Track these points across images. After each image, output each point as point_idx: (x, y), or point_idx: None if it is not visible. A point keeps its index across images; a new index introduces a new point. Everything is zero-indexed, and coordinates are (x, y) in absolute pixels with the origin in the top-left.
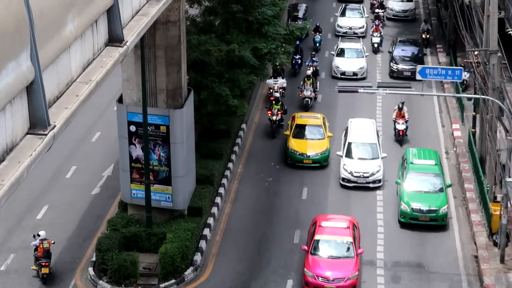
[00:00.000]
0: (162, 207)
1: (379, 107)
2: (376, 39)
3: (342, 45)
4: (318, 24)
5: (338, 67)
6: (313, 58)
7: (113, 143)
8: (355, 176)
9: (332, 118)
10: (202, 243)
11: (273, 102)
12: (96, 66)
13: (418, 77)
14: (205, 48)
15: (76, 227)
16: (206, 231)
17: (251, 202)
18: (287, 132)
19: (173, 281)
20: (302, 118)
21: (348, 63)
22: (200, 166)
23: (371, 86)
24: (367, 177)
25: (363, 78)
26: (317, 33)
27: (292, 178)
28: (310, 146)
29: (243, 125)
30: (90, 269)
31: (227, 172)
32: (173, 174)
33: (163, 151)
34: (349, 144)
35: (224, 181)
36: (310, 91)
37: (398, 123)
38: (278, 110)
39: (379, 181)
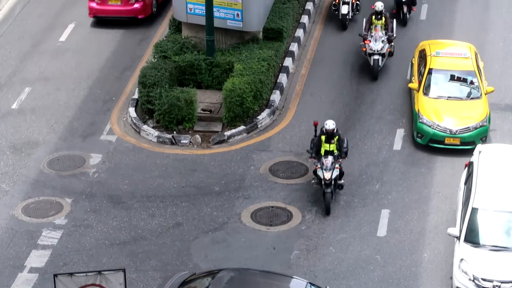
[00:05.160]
0: (228, 28)
1: None
2: None
3: None
4: None
5: None
6: None
7: None
8: None
9: None
10: (282, 78)
11: (323, 137)
12: None
13: None
14: None
15: (113, 53)
16: (288, 62)
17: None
18: (413, 85)
19: (242, 127)
20: (440, 57)
21: None
22: None
23: None
24: None
25: None
26: None
27: None
28: (457, 113)
29: None
30: (131, 110)
31: None
32: None
33: None
34: (474, 211)
35: None
36: (382, 41)
37: None
38: (336, 157)
39: None
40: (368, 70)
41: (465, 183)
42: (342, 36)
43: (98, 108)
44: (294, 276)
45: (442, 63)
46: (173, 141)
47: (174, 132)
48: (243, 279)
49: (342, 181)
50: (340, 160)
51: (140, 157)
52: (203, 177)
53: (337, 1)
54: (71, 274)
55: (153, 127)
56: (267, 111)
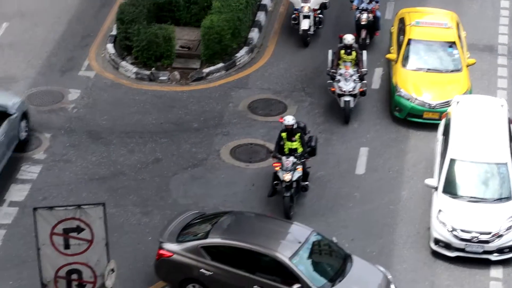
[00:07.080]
0: None
1: None
2: None
3: None
4: None
5: None
6: None
7: None
8: (462, 239)
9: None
10: (261, 16)
11: (284, 134)
12: None
13: None
14: None
15: None
16: (266, 0)
17: None
18: (391, 56)
19: (220, 64)
20: (419, 27)
21: None
22: None
23: None
24: (487, 241)
25: None
26: None
27: None
28: (436, 86)
29: None
30: (109, 46)
31: None
32: None
33: None
34: (451, 162)
35: None
36: (354, 80)
37: None
38: (297, 162)
39: (511, 249)
40: (338, 112)
41: (443, 134)
42: None
43: (76, 43)
44: (296, 223)
45: (422, 33)
46: (152, 78)
47: (153, 68)
48: (246, 222)
49: (307, 182)
50: (303, 160)
51: (118, 93)
52: (182, 114)
53: (296, 14)
54: (50, 208)
55: (131, 64)
56: (245, 48)
